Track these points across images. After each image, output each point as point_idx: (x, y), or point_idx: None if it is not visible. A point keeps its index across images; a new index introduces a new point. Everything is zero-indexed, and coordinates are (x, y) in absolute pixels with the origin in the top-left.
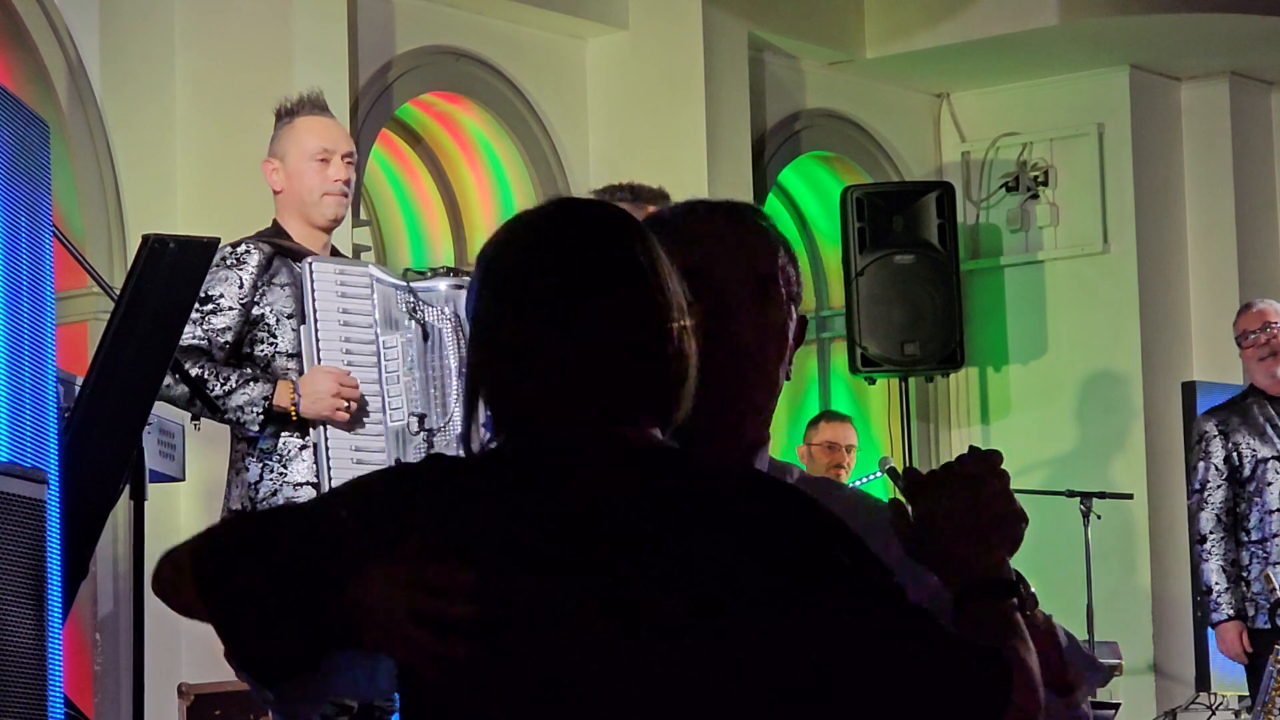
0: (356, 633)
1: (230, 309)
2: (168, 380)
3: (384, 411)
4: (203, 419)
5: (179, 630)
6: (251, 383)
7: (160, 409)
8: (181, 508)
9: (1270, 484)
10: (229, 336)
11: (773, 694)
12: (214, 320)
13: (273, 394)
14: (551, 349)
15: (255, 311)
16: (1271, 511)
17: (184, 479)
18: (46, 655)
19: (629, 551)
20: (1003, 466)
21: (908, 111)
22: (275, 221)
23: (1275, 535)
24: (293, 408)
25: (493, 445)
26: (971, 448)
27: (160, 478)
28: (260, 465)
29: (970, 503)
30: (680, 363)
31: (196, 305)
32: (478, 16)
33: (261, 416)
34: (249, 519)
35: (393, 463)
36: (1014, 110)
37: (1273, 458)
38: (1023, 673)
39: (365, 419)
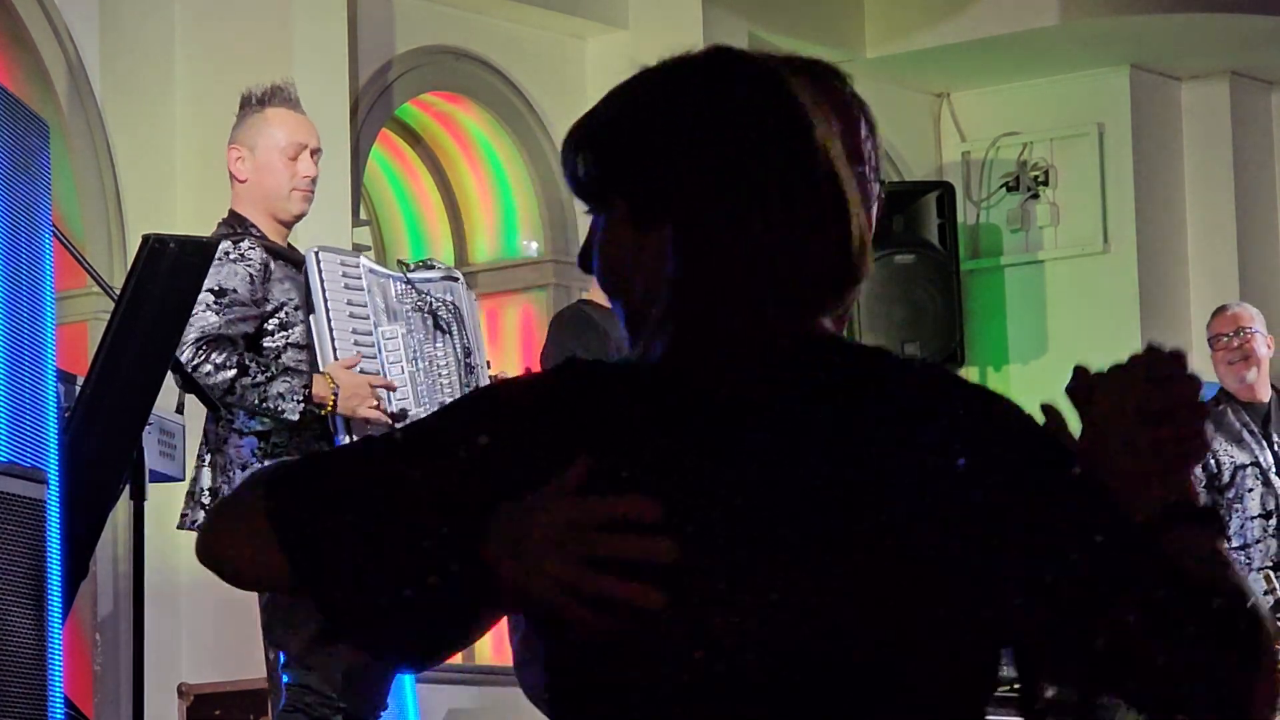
0: (499, 592)
1: (244, 303)
2: (208, 368)
3: (389, 403)
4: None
5: (179, 630)
6: (288, 373)
7: (160, 409)
8: (181, 508)
9: (1250, 490)
10: (248, 328)
11: (982, 629)
12: (232, 312)
13: (310, 384)
14: (747, 234)
15: (268, 306)
16: (1253, 518)
17: (184, 479)
18: (46, 655)
19: (836, 468)
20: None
21: (908, 111)
22: (233, 211)
23: (1257, 541)
24: (332, 397)
25: (654, 350)
26: (1150, 344)
27: (160, 478)
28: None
29: (1152, 414)
30: (868, 247)
31: (213, 298)
32: (478, 16)
33: (302, 405)
34: (334, 458)
35: None
36: (1014, 110)
37: (1251, 464)
38: (1266, 630)
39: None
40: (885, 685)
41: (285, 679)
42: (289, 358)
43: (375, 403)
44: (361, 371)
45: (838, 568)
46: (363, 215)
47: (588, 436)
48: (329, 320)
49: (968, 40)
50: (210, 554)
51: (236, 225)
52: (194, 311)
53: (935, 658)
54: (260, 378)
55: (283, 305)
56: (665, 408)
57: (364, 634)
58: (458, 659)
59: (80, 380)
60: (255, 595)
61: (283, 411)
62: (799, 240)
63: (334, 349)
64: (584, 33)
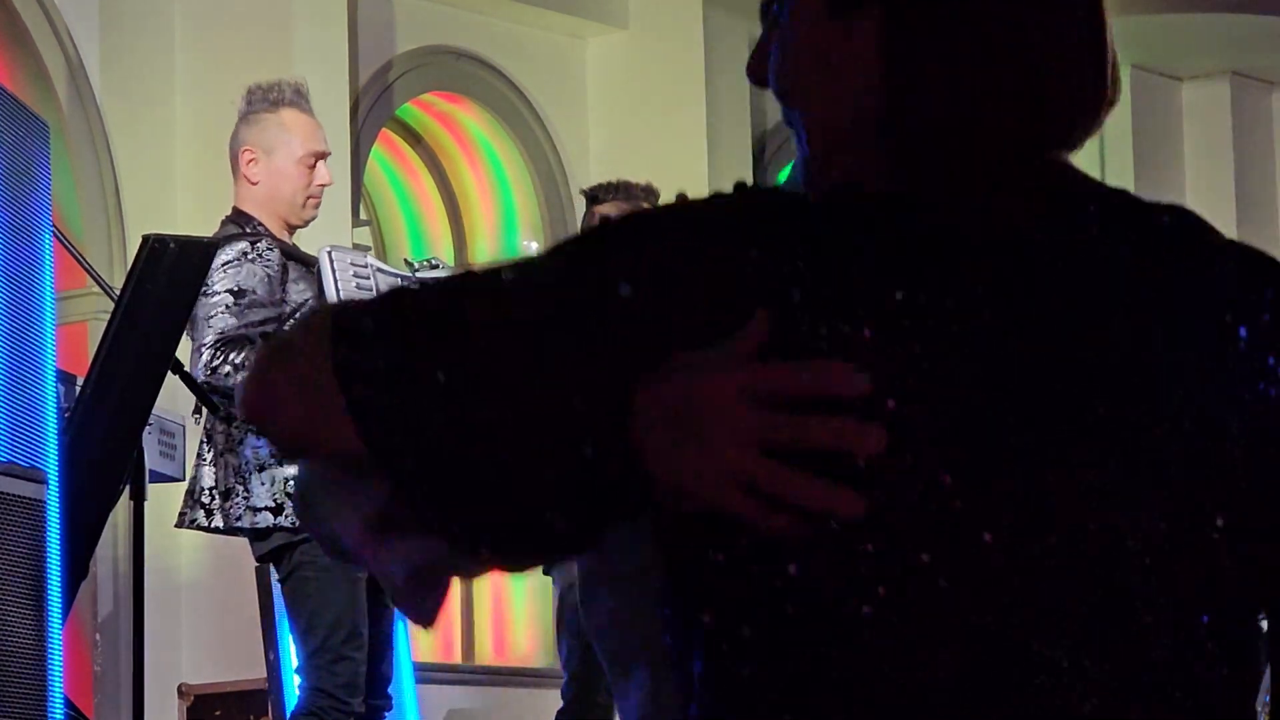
0: (644, 483)
1: (263, 305)
2: (227, 369)
3: None
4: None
5: (179, 630)
6: None
7: (160, 409)
8: (180, 507)
9: None
10: (266, 329)
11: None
12: (251, 314)
13: None
14: (988, 32)
15: (286, 307)
16: None
17: (184, 479)
18: (46, 655)
19: (1101, 336)
20: None
21: None
22: (239, 210)
23: None
24: None
25: (854, 177)
26: None
27: (160, 478)
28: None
29: None
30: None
31: (231, 299)
32: (478, 16)
33: None
34: (421, 296)
35: None
36: None
37: None
38: None
39: None
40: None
41: (300, 681)
42: None
43: None
44: None
45: (1101, 467)
46: (363, 215)
47: (769, 283)
48: None
49: None
50: (254, 408)
51: (244, 224)
52: (212, 313)
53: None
54: None
55: (299, 307)
56: (869, 251)
57: (453, 520)
58: (457, 658)
59: (80, 380)
60: (255, 595)
61: None
62: (1054, 46)
63: None
64: (584, 33)
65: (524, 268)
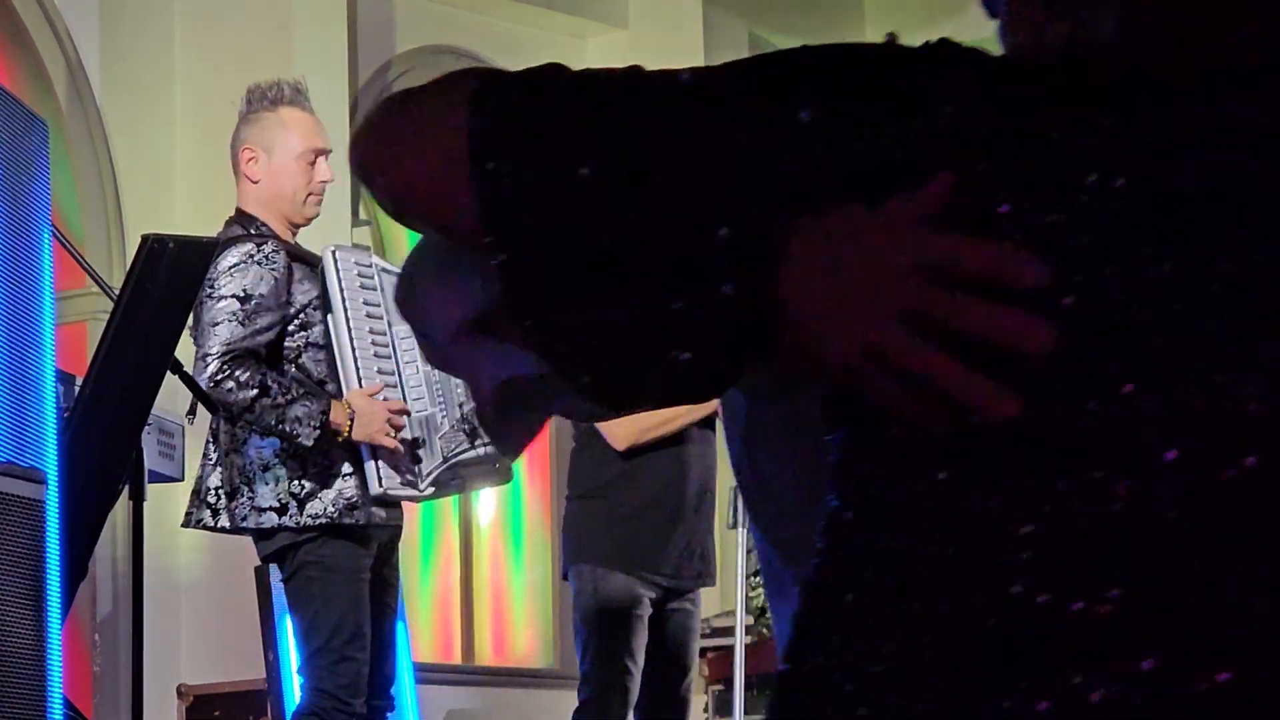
0: (779, 335)
1: (269, 309)
2: (230, 385)
3: (405, 401)
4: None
5: (179, 630)
6: (307, 397)
7: (160, 409)
8: (181, 508)
9: None
10: (272, 335)
11: None
12: (258, 320)
13: (328, 409)
14: None
15: (291, 309)
16: None
17: (184, 479)
18: (46, 655)
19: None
20: None
21: None
22: (242, 211)
23: None
24: (348, 423)
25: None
26: None
27: (160, 478)
28: (301, 463)
29: None
30: None
31: (238, 304)
32: (478, 16)
33: (318, 431)
34: (584, 81)
35: (425, 449)
36: None
37: None
38: None
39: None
40: None
41: (302, 681)
42: (308, 357)
43: (391, 431)
44: (385, 399)
45: None
46: (362, 215)
47: (957, 145)
48: (347, 320)
49: (968, 40)
50: (367, 157)
51: (248, 225)
52: (218, 319)
53: None
54: (280, 399)
55: (304, 307)
56: (1070, 128)
57: (558, 332)
58: (457, 659)
59: (80, 380)
60: (255, 595)
61: (298, 435)
62: None
63: (352, 349)
64: (584, 33)
65: (703, 73)
